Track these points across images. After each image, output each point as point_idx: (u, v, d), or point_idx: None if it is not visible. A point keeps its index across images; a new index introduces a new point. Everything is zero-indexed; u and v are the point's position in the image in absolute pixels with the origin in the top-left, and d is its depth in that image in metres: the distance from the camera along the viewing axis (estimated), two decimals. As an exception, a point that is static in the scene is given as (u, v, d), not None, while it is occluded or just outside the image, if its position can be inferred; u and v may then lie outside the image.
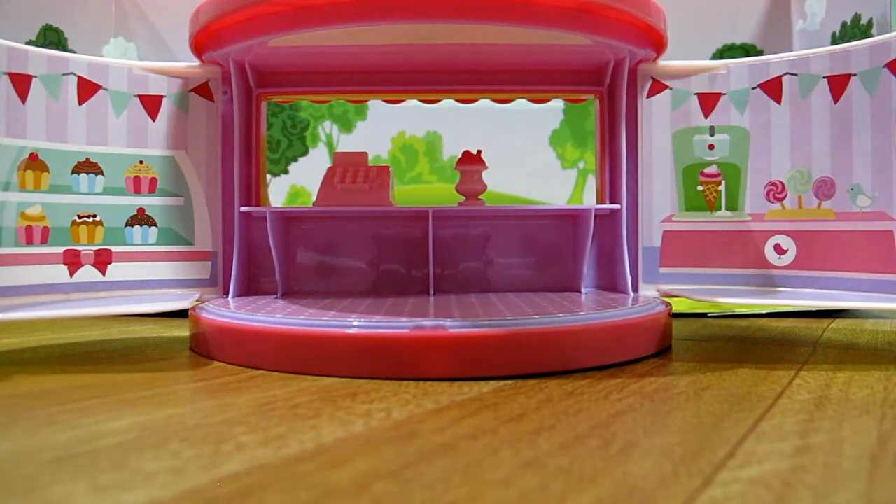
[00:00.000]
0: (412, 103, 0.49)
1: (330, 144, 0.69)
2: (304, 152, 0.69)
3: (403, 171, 0.68)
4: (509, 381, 0.30)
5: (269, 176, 0.69)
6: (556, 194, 0.64)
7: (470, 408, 0.26)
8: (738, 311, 0.56)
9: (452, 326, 0.32)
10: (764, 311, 0.56)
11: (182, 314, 0.40)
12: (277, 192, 0.69)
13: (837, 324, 0.51)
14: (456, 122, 0.67)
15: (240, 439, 0.22)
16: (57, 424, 0.23)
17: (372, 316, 0.34)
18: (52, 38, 0.65)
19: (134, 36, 0.67)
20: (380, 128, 0.69)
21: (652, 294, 0.44)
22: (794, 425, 0.23)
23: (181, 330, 0.41)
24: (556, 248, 0.49)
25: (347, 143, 0.69)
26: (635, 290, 0.45)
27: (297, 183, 0.69)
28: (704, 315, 0.56)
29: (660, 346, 0.38)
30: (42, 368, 0.34)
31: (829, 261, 0.41)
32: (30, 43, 0.64)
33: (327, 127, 0.69)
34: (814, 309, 0.56)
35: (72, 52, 0.65)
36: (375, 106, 0.69)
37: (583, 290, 0.46)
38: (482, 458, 0.20)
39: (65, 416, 0.25)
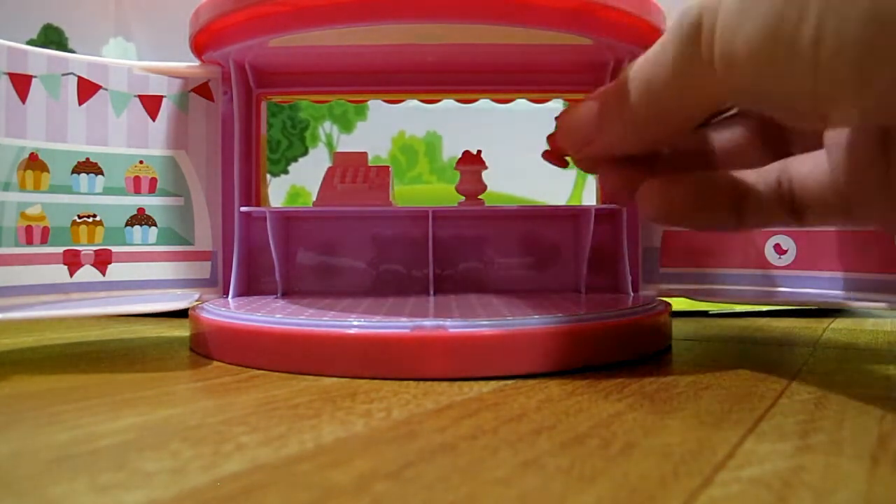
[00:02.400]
0: (412, 104, 0.49)
1: (330, 144, 0.69)
2: (304, 152, 0.69)
3: (403, 171, 0.68)
4: (509, 381, 0.30)
5: (269, 176, 0.69)
6: (555, 195, 0.64)
7: (470, 408, 0.26)
8: (738, 310, 0.56)
9: (453, 326, 0.32)
10: (763, 310, 0.56)
11: (183, 314, 0.40)
12: (277, 192, 0.69)
13: (837, 324, 0.51)
14: (456, 123, 0.67)
15: (240, 439, 0.22)
16: (57, 424, 0.23)
17: (372, 316, 0.34)
18: (53, 37, 0.65)
19: (133, 36, 0.67)
20: (380, 128, 0.69)
21: (652, 294, 0.44)
22: (794, 425, 0.23)
23: (181, 330, 0.41)
24: (556, 247, 0.49)
25: (347, 144, 0.69)
26: (635, 290, 0.45)
27: (297, 183, 0.69)
28: (705, 314, 0.56)
29: (660, 346, 0.38)
30: (42, 368, 0.34)
31: (829, 261, 0.41)
32: (31, 41, 0.64)
33: (327, 127, 0.69)
34: (813, 308, 0.56)
35: (72, 51, 0.65)
36: (375, 106, 0.69)
37: (583, 290, 0.46)
38: (482, 458, 0.20)
39: (65, 416, 0.25)
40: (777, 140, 0.31)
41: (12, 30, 0.64)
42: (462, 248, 0.49)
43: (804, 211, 0.30)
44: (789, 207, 0.30)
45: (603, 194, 0.47)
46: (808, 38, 0.19)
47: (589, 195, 0.64)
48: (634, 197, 0.33)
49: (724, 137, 0.26)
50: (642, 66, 0.28)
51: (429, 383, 0.30)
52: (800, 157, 0.30)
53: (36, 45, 0.39)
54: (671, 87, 0.27)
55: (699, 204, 0.31)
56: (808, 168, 0.30)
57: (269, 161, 0.68)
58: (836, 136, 0.26)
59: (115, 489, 0.17)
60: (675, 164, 0.34)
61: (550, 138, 0.35)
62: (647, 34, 0.38)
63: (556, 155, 0.38)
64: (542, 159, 0.38)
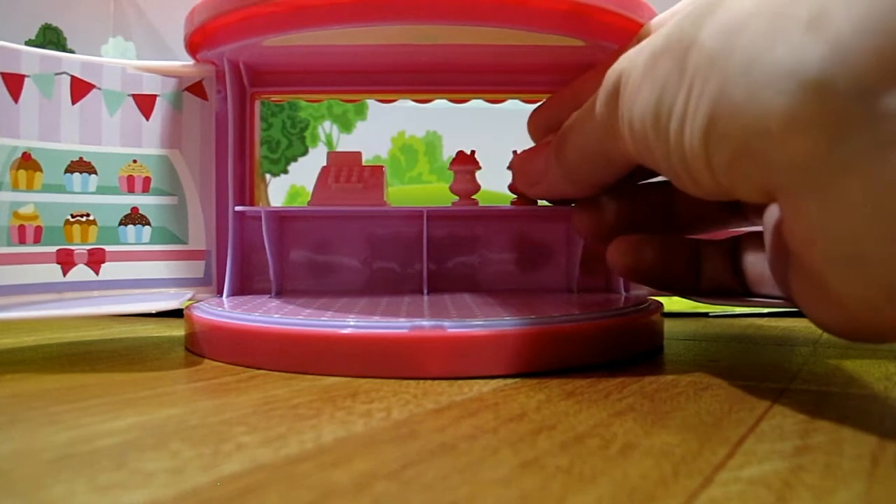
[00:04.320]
0: (412, 103, 0.49)
1: (329, 144, 0.69)
2: (304, 152, 0.69)
3: (403, 171, 0.68)
4: (509, 381, 0.30)
5: (268, 176, 0.69)
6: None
7: (470, 408, 0.26)
8: (738, 310, 0.57)
9: (451, 326, 0.32)
10: (764, 311, 0.57)
11: (181, 313, 0.40)
12: (277, 192, 0.69)
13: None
14: (456, 123, 0.67)
15: (240, 439, 0.22)
16: (57, 424, 0.23)
17: (369, 316, 0.34)
18: (51, 37, 0.65)
19: (132, 35, 0.67)
20: (380, 128, 0.69)
21: (643, 293, 0.44)
22: (794, 425, 0.23)
23: (181, 330, 0.41)
24: (549, 247, 0.49)
25: (347, 143, 0.69)
26: (627, 290, 0.45)
27: (297, 183, 0.68)
28: (706, 315, 0.56)
29: (654, 345, 0.38)
30: (42, 368, 0.34)
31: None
32: (29, 42, 0.63)
33: (327, 127, 0.69)
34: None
35: (71, 51, 0.65)
36: (375, 106, 0.69)
37: (575, 289, 0.46)
38: (482, 458, 0.20)
39: (65, 416, 0.24)
40: (745, 207, 0.34)
41: (10, 30, 0.64)
42: (456, 247, 0.49)
43: (749, 284, 0.33)
44: (740, 279, 0.33)
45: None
46: (677, 111, 0.23)
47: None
48: (605, 248, 0.36)
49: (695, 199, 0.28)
50: (577, 118, 0.32)
51: (429, 383, 0.30)
52: (752, 231, 0.34)
53: (34, 46, 0.39)
54: (597, 142, 0.30)
55: (664, 265, 0.35)
56: (753, 242, 0.33)
57: (269, 161, 0.68)
58: (769, 215, 0.29)
59: (115, 489, 0.17)
60: (643, 218, 0.36)
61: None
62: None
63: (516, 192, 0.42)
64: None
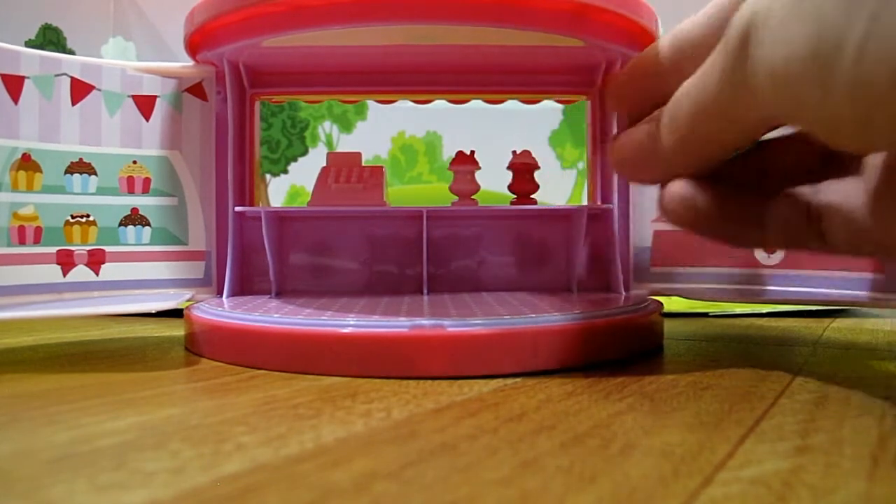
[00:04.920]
0: (412, 103, 0.49)
1: (330, 144, 0.69)
2: (304, 152, 0.69)
3: (403, 171, 0.68)
4: (509, 381, 0.30)
5: (268, 176, 0.69)
6: (555, 194, 0.64)
7: (470, 408, 0.26)
8: (738, 310, 0.57)
9: (451, 325, 0.32)
10: (764, 311, 0.57)
11: (181, 313, 0.40)
12: (277, 192, 0.69)
13: (837, 323, 0.51)
14: (456, 123, 0.67)
15: (240, 439, 0.22)
16: (57, 424, 0.23)
17: (370, 315, 0.34)
18: (51, 37, 0.65)
19: (133, 35, 0.67)
20: (380, 128, 0.69)
21: (643, 293, 0.44)
22: (794, 425, 0.23)
23: (181, 330, 0.41)
24: (548, 247, 0.49)
25: (347, 143, 0.69)
26: (626, 289, 0.45)
27: (297, 183, 0.68)
28: (705, 314, 0.56)
29: (653, 345, 0.38)
30: (42, 368, 0.34)
31: (817, 259, 0.41)
32: (29, 42, 0.63)
33: (327, 127, 0.69)
34: (811, 308, 0.56)
35: (71, 51, 0.65)
36: (375, 106, 0.69)
37: (574, 289, 0.46)
38: (482, 458, 0.20)
39: (65, 416, 0.24)
40: (838, 158, 0.30)
41: (10, 30, 0.64)
42: (455, 247, 0.49)
43: (831, 233, 0.29)
44: (816, 229, 0.29)
45: (594, 194, 0.47)
46: (853, 41, 0.20)
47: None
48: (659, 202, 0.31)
49: (781, 151, 0.25)
50: (690, 84, 0.27)
51: (429, 383, 0.30)
52: (837, 181, 0.29)
53: (34, 46, 0.39)
54: (719, 103, 0.26)
55: (723, 214, 0.29)
56: (842, 188, 0.29)
57: (269, 161, 0.68)
58: (875, 157, 0.26)
59: (115, 489, 0.17)
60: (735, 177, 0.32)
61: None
62: (638, 37, 0.38)
63: None
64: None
